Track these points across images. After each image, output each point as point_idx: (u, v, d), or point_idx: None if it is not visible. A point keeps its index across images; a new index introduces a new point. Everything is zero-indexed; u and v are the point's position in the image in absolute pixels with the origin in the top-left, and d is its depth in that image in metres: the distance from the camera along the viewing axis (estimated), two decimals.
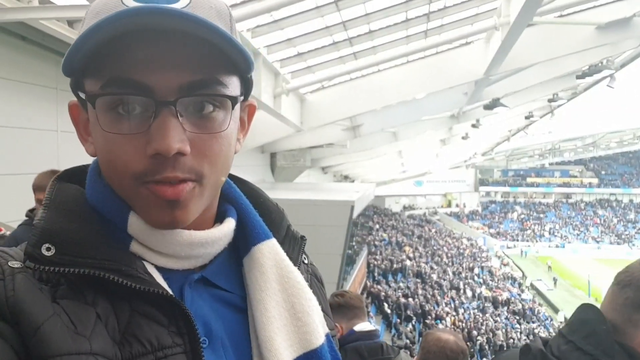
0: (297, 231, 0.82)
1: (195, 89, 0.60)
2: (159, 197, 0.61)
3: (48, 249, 0.59)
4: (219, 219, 0.74)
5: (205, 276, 0.69)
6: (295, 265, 0.75)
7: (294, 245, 0.80)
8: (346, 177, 29.89)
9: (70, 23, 5.19)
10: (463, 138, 23.23)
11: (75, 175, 0.72)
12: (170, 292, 0.63)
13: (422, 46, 10.25)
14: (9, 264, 0.59)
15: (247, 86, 0.69)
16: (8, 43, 4.86)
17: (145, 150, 0.60)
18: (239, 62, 0.63)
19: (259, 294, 0.70)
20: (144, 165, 0.60)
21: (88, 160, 0.72)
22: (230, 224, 0.72)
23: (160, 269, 0.66)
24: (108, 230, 0.64)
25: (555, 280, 34.24)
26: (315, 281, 0.85)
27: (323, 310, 0.78)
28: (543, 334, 22.69)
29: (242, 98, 0.68)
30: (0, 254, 0.61)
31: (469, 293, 26.18)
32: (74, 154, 5.53)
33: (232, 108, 0.65)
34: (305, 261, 0.84)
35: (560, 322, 26.39)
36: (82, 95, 0.63)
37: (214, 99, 0.62)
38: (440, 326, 18.68)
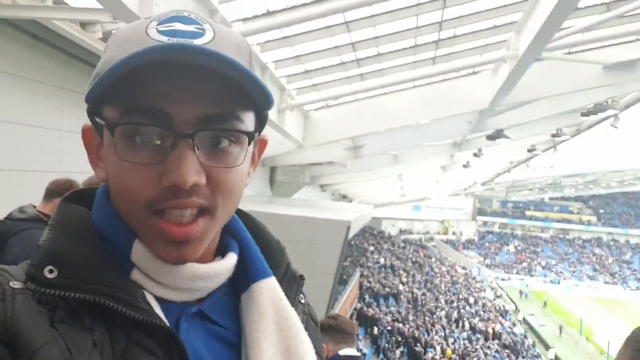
0: (296, 270, 0.82)
1: (213, 122, 0.61)
2: (167, 235, 0.61)
3: (50, 271, 0.59)
4: (220, 251, 0.73)
5: (202, 310, 0.69)
6: (292, 305, 0.75)
7: (292, 284, 0.79)
8: (344, 197, 29.87)
9: (83, 25, 5.23)
10: (464, 166, 23.29)
11: (83, 197, 0.72)
12: (168, 324, 0.62)
13: (429, 72, 10.30)
14: (10, 284, 0.59)
15: (261, 121, 0.69)
16: (19, 40, 4.88)
17: (159, 180, 0.59)
18: (257, 99, 0.64)
19: (255, 334, 0.69)
20: (156, 193, 0.60)
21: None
22: (232, 259, 0.72)
23: (158, 299, 0.65)
24: (111, 256, 0.64)
25: (561, 328, 32.15)
26: (310, 322, 0.84)
27: (317, 352, 0.77)
28: None
29: (256, 134, 0.68)
30: (1, 272, 0.60)
31: (462, 323, 25.95)
32: (76, 154, 5.54)
33: (248, 144, 0.65)
34: (302, 301, 0.83)
35: None
36: (100, 121, 0.63)
37: (231, 134, 0.63)
38: (430, 354, 18.45)
